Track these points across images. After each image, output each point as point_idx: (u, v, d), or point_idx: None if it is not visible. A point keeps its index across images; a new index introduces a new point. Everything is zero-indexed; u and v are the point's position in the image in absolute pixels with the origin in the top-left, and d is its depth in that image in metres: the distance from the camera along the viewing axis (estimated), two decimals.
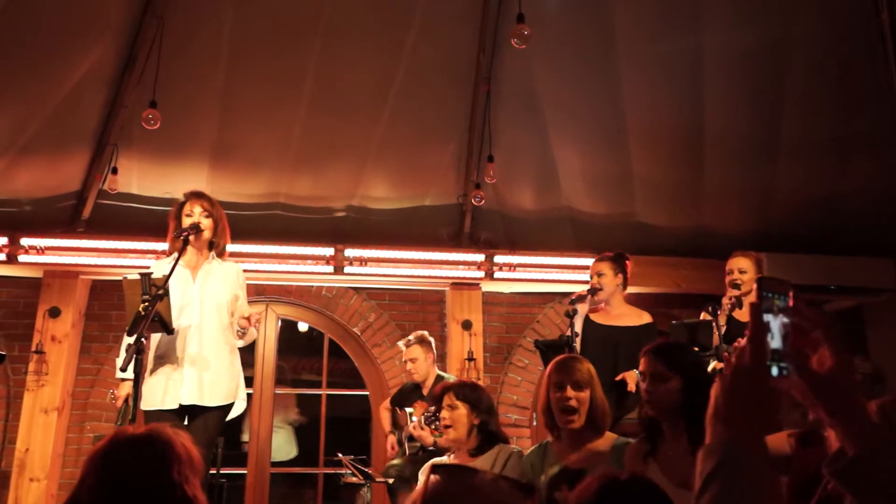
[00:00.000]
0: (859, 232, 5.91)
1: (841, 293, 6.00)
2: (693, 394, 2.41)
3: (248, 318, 3.39)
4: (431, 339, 4.89)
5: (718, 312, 3.85)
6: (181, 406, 3.40)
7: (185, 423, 3.42)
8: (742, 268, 4.08)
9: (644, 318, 4.09)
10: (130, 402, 3.09)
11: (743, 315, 3.91)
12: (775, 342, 0.88)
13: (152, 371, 3.42)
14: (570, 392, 2.74)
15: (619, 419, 3.73)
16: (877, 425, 0.93)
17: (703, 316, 4.00)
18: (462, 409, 2.98)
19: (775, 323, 0.89)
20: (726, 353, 3.42)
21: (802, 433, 2.09)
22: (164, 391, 3.40)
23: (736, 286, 4.05)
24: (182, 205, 3.63)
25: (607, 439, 2.79)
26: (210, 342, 3.49)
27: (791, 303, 0.90)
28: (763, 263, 4.27)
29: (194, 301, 3.52)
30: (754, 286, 0.92)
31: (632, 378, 3.72)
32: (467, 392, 3.04)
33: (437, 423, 3.18)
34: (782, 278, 0.92)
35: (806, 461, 1.96)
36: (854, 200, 5.83)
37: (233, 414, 3.58)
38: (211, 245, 3.65)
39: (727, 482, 0.85)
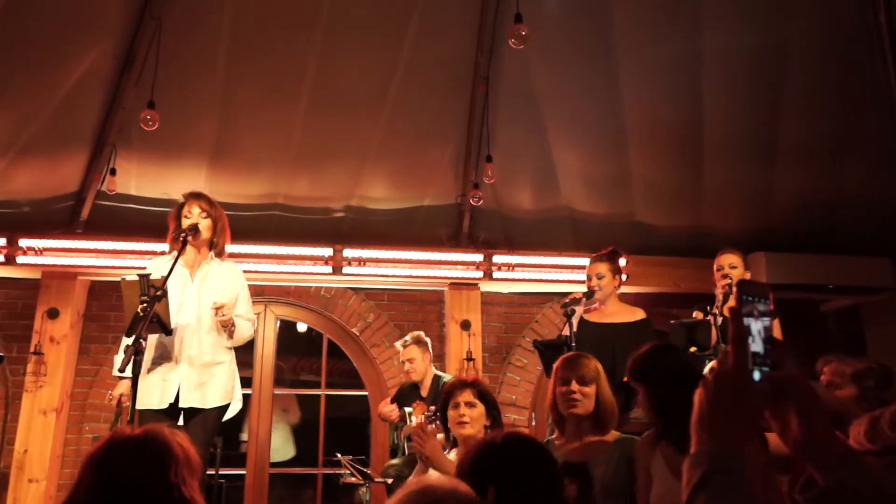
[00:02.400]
0: (858, 231, 5.91)
1: (839, 292, 6.02)
2: (662, 398, 2.48)
3: (219, 308, 3.39)
4: (428, 340, 4.89)
5: (711, 309, 3.82)
6: (178, 407, 3.40)
7: (182, 423, 3.41)
8: (732, 263, 4.10)
9: (638, 314, 4.09)
10: (125, 402, 3.08)
11: None
12: (756, 345, 0.88)
13: (149, 370, 3.41)
14: (574, 386, 2.79)
15: (627, 419, 3.72)
16: (847, 452, 0.90)
17: (696, 314, 3.98)
18: (480, 409, 3.01)
19: (756, 326, 0.89)
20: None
21: None
22: (160, 391, 3.39)
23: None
24: (181, 206, 3.65)
25: (610, 436, 2.83)
26: (207, 342, 3.49)
27: (771, 306, 0.90)
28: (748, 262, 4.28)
29: (192, 301, 3.51)
30: (734, 290, 0.92)
31: None
32: (484, 391, 3.08)
33: (437, 422, 3.19)
34: (761, 281, 0.93)
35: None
36: (853, 200, 5.83)
37: (229, 414, 3.57)
38: (211, 245, 3.65)
39: (716, 492, 0.82)
